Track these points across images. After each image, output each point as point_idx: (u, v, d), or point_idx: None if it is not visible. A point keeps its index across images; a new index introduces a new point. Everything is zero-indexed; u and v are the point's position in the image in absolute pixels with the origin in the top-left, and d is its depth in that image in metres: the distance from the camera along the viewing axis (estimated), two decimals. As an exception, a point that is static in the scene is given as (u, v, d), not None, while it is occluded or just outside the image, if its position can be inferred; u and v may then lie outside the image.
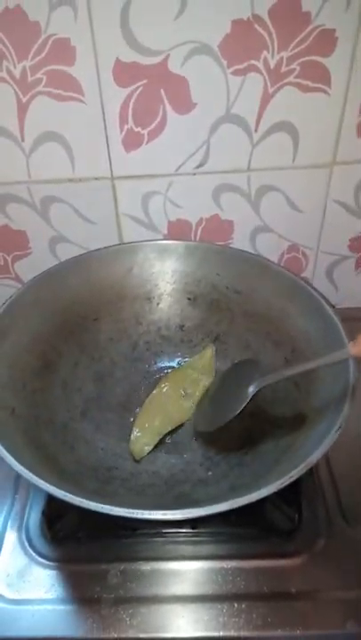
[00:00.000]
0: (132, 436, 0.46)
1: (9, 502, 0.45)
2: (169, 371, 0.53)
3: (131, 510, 0.31)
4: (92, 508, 0.31)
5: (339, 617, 0.37)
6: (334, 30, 0.45)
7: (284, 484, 0.33)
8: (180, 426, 0.48)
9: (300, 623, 0.37)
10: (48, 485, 0.32)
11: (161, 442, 0.46)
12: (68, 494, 0.31)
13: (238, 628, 0.37)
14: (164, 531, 0.42)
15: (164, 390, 0.50)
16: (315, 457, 0.34)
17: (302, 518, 0.43)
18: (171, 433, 0.47)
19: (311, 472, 0.46)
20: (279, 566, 0.40)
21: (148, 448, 0.45)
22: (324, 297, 0.46)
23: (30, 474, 0.33)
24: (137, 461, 0.45)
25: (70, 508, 0.41)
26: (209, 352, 0.53)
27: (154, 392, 0.50)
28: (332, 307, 0.46)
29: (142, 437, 0.46)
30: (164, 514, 0.31)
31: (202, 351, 0.54)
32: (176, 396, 0.49)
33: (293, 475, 0.33)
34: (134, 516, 0.31)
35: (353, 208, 0.58)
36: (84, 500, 0.31)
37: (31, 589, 0.39)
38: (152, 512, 0.31)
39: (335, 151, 0.53)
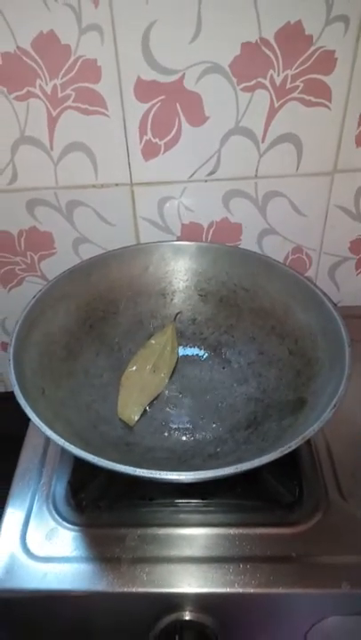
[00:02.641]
0: (118, 410, 0.51)
1: (37, 475, 0.49)
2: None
3: (151, 471, 0.35)
4: (119, 469, 0.35)
5: (334, 578, 0.41)
6: (334, 51, 0.50)
7: (283, 453, 0.37)
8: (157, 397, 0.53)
9: (299, 583, 0.41)
10: (79, 450, 0.37)
11: (175, 423, 0.51)
12: (96, 457, 0.36)
13: (243, 585, 0.41)
14: (177, 501, 0.46)
15: (134, 369, 0.54)
16: (311, 431, 0.38)
17: (303, 492, 0.46)
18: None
19: (311, 452, 0.50)
20: (281, 534, 0.44)
21: (135, 417, 0.50)
22: (324, 293, 0.50)
23: (62, 440, 0.37)
24: (131, 428, 0.50)
25: (92, 478, 0.46)
26: (170, 328, 0.57)
27: (126, 372, 0.54)
28: (333, 302, 0.50)
29: (127, 410, 0.51)
30: (179, 474, 0.35)
31: (163, 329, 0.57)
32: (146, 371, 0.54)
33: (292, 445, 0.37)
34: (154, 476, 0.35)
35: (353, 213, 0.62)
36: (112, 463, 0.36)
37: (58, 549, 0.44)
38: (169, 473, 0.35)
39: (336, 160, 0.57)
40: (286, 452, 0.37)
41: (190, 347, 0.58)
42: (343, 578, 0.41)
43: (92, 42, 0.49)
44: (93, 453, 0.37)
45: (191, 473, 0.36)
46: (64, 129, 0.54)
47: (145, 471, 0.35)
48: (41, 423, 0.38)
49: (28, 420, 0.53)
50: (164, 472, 0.35)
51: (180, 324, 0.59)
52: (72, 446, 0.37)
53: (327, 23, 0.48)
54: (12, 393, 0.82)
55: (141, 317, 0.58)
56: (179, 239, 0.63)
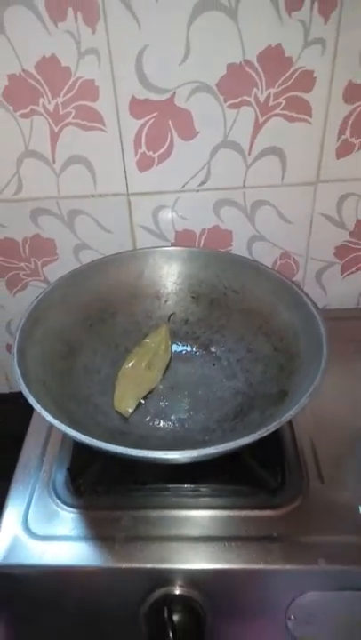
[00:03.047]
0: (114, 402, 0.54)
1: (38, 463, 0.53)
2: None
3: (142, 451, 0.39)
4: (114, 450, 0.39)
5: (312, 556, 0.44)
6: (313, 71, 0.54)
7: (261, 435, 0.40)
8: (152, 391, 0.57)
9: (280, 560, 0.44)
10: (76, 432, 0.40)
11: (167, 415, 0.55)
12: (94, 439, 0.40)
13: (228, 562, 0.44)
14: (168, 486, 0.50)
15: (130, 365, 0.58)
16: (287, 416, 0.42)
17: (285, 478, 0.50)
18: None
19: (294, 442, 0.53)
20: (265, 516, 0.47)
21: (130, 409, 0.54)
22: (306, 294, 0.54)
23: (63, 424, 0.41)
24: (126, 419, 0.53)
25: (90, 465, 0.50)
26: (164, 329, 0.61)
27: (122, 367, 0.58)
28: (314, 303, 0.53)
29: (123, 402, 0.54)
30: (166, 453, 0.39)
31: (157, 329, 0.61)
32: (142, 368, 0.58)
33: (270, 428, 0.41)
34: (144, 455, 0.39)
35: (336, 220, 0.65)
36: (107, 444, 0.39)
37: (57, 529, 0.47)
38: (157, 452, 0.39)
39: (318, 171, 0.61)
40: (265, 434, 0.40)
41: (183, 345, 0.62)
42: (320, 555, 0.44)
43: (90, 64, 0.53)
44: (92, 437, 0.41)
45: (178, 452, 0.39)
46: (65, 143, 0.58)
47: (137, 451, 0.39)
48: (43, 410, 0.42)
49: (31, 417, 0.58)
50: (154, 451, 0.39)
51: (173, 325, 0.62)
52: (72, 430, 0.41)
53: (305, 46, 0.52)
54: (16, 394, 0.86)
55: (137, 318, 0.62)
56: (173, 245, 0.67)
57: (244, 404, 0.54)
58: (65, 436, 0.55)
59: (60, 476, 0.52)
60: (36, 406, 0.42)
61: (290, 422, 0.55)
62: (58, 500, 0.49)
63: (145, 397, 0.57)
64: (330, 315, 0.53)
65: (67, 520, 0.48)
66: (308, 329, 0.52)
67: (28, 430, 0.57)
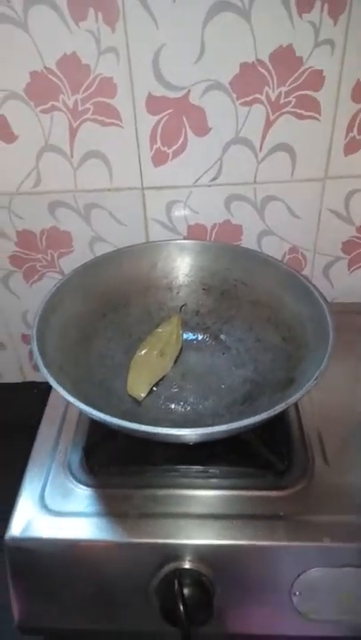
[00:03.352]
0: (128, 387, 0.56)
1: (54, 444, 0.55)
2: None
3: (153, 427, 0.41)
4: (129, 426, 0.41)
5: (316, 534, 0.46)
6: (322, 71, 0.56)
7: (269, 415, 0.42)
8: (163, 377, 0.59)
9: (285, 536, 0.46)
10: (92, 409, 0.43)
11: (179, 400, 0.57)
12: (108, 416, 0.42)
13: (235, 538, 0.46)
14: (178, 467, 0.52)
15: (143, 353, 0.60)
16: (294, 398, 0.44)
17: (292, 461, 0.52)
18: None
19: (300, 426, 0.55)
20: (271, 496, 0.49)
21: (143, 394, 0.56)
22: (313, 284, 0.56)
23: (78, 401, 0.43)
24: (139, 403, 0.55)
25: (104, 446, 0.52)
26: (176, 318, 0.63)
27: (136, 355, 0.60)
28: (320, 292, 0.55)
29: (135, 387, 0.56)
30: (178, 430, 0.41)
31: (169, 319, 0.63)
32: (154, 355, 0.60)
33: (277, 409, 0.43)
34: (155, 431, 0.41)
35: (344, 216, 0.67)
36: (124, 421, 0.41)
37: (72, 506, 0.49)
38: (168, 429, 0.41)
39: (327, 168, 0.63)
40: (272, 414, 0.42)
41: (194, 335, 0.64)
42: (325, 533, 0.46)
43: (109, 62, 0.56)
44: (107, 413, 0.43)
45: (189, 429, 0.41)
46: (83, 138, 0.60)
47: (150, 427, 0.41)
48: (61, 388, 0.44)
49: (44, 406, 0.60)
50: (167, 428, 0.41)
51: (184, 315, 0.64)
52: (89, 408, 0.43)
53: (315, 46, 0.54)
54: (29, 384, 0.89)
55: (150, 309, 0.64)
56: (185, 239, 0.69)
57: (253, 390, 0.56)
58: (79, 418, 0.58)
59: (75, 457, 0.54)
60: (55, 384, 0.44)
61: (296, 408, 0.57)
62: (73, 479, 0.52)
63: (157, 384, 0.59)
64: (337, 308, 0.55)
65: (81, 497, 0.50)
66: (316, 318, 0.53)
67: (44, 413, 0.59)
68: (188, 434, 0.41)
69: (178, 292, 0.65)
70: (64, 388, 0.45)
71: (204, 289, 0.64)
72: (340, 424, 0.57)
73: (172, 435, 0.41)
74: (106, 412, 0.48)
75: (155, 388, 0.58)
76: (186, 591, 0.45)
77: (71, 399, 0.43)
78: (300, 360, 0.53)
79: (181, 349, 0.63)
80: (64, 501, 0.50)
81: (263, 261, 0.61)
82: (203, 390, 0.58)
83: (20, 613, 0.50)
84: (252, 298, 0.62)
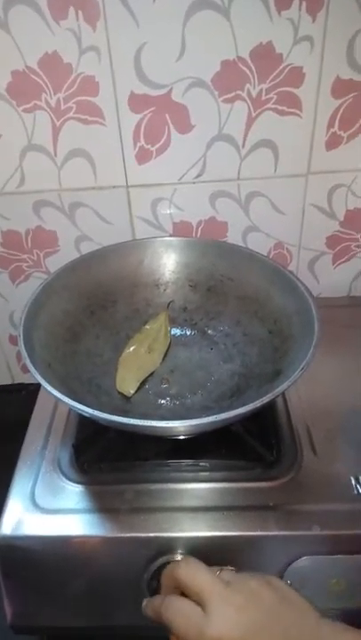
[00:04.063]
0: (116, 384, 0.57)
1: (43, 441, 0.55)
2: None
3: (143, 420, 0.41)
4: (119, 421, 0.41)
5: (306, 522, 0.47)
6: (302, 67, 0.56)
7: (256, 406, 0.43)
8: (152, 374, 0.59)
9: (275, 526, 0.47)
10: (81, 405, 0.43)
11: (167, 395, 0.57)
12: (97, 411, 0.42)
13: (227, 529, 0.47)
14: (169, 461, 0.52)
15: (131, 349, 0.60)
16: (280, 389, 0.44)
17: (281, 452, 0.52)
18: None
19: (288, 417, 0.56)
20: (261, 487, 0.50)
21: (132, 390, 0.56)
22: (298, 278, 0.56)
23: (66, 398, 0.43)
24: (128, 399, 0.56)
25: (94, 442, 0.52)
26: (163, 315, 0.63)
27: (124, 352, 0.60)
28: (305, 286, 0.56)
29: (124, 383, 0.57)
30: (167, 423, 0.41)
31: (157, 316, 0.63)
32: (142, 352, 0.60)
33: (264, 399, 0.43)
34: (144, 424, 0.41)
35: (327, 211, 0.68)
36: (113, 416, 0.42)
37: (63, 503, 0.49)
38: (157, 422, 0.41)
39: (309, 163, 0.63)
40: (259, 405, 0.43)
41: (182, 331, 0.64)
42: (314, 522, 0.47)
43: (90, 61, 0.56)
44: (96, 408, 0.43)
45: (178, 421, 0.42)
46: (66, 137, 0.60)
47: (140, 421, 0.41)
48: (49, 386, 0.44)
49: (33, 406, 0.60)
50: (156, 421, 0.41)
51: (172, 312, 0.65)
52: (79, 404, 0.43)
53: (295, 43, 0.55)
54: (17, 385, 0.89)
55: (137, 306, 0.64)
56: (171, 236, 0.69)
57: (241, 383, 0.56)
58: (69, 416, 0.58)
59: (65, 454, 0.54)
60: (42, 381, 0.44)
61: (284, 400, 0.58)
62: (63, 477, 0.52)
63: (146, 380, 0.59)
64: (322, 303, 0.56)
65: (72, 494, 0.50)
66: (301, 311, 0.54)
67: (34, 412, 0.59)
68: (177, 425, 0.42)
69: (165, 289, 0.65)
70: (52, 385, 0.45)
71: (190, 285, 0.65)
72: (328, 415, 0.58)
73: (160, 427, 0.42)
74: (95, 409, 0.48)
75: (144, 385, 0.59)
76: (178, 584, 0.46)
77: (59, 395, 0.44)
78: (287, 352, 0.54)
79: (170, 345, 0.63)
80: (54, 499, 0.50)
81: (249, 257, 0.62)
82: (191, 385, 0.58)
83: (12, 612, 0.50)
84: (239, 293, 0.62)
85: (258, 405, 0.43)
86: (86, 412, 0.43)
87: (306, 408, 0.58)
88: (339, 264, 0.74)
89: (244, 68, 0.56)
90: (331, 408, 0.59)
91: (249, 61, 0.56)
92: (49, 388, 0.44)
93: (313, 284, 0.76)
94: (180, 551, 0.47)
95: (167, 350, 0.62)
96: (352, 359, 0.66)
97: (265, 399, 0.43)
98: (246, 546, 0.47)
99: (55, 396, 0.44)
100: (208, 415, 0.53)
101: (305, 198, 0.67)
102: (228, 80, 0.57)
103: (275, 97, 0.58)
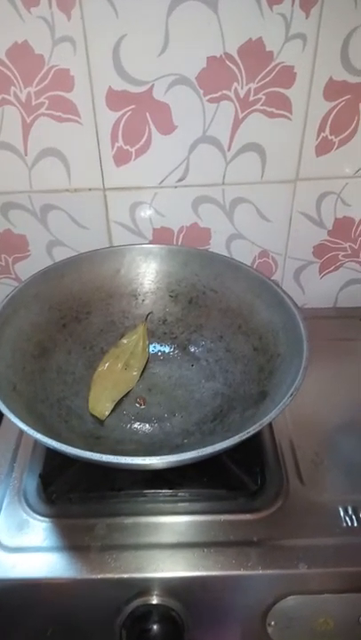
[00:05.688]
0: (89, 405, 0.52)
1: (9, 469, 0.51)
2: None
3: (117, 457, 0.37)
4: (85, 456, 0.37)
5: (292, 559, 0.44)
6: (293, 67, 0.53)
7: (242, 438, 0.39)
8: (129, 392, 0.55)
9: (260, 564, 0.43)
10: (47, 439, 0.38)
11: (145, 418, 0.53)
12: (64, 445, 0.38)
13: (207, 569, 0.43)
14: (145, 491, 0.48)
15: (106, 366, 0.56)
16: (268, 418, 0.41)
17: (265, 480, 0.49)
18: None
19: (274, 442, 0.53)
20: (244, 520, 0.46)
21: (106, 412, 0.52)
22: (285, 292, 0.53)
23: (31, 430, 0.39)
24: (102, 422, 0.52)
25: (63, 471, 0.48)
26: (141, 327, 0.59)
27: (98, 369, 0.56)
28: (293, 301, 0.52)
29: (98, 405, 0.52)
30: (143, 459, 0.37)
31: (134, 329, 0.59)
32: (118, 369, 0.56)
33: (250, 431, 0.40)
34: (119, 461, 0.37)
35: (315, 219, 0.65)
36: (79, 450, 0.37)
37: (28, 540, 0.45)
38: (134, 458, 0.37)
39: (298, 169, 0.60)
40: (245, 437, 0.39)
41: (161, 345, 0.61)
42: (300, 559, 0.44)
43: (64, 52, 0.51)
44: (64, 443, 0.39)
45: (156, 458, 0.38)
46: (38, 135, 0.56)
47: (111, 457, 0.37)
48: (12, 415, 0.40)
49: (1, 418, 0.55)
50: (130, 457, 0.37)
51: (151, 324, 0.61)
52: (44, 437, 0.39)
53: (286, 40, 0.51)
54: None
55: (113, 318, 0.60)
56: (150, 243, 0.66)
57: (224, 405, 0.52)
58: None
59: (32, 483, 0.49)
60: (6, 411, 0.40)
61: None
62: (29, 509, 0.47)
63: (121, 399, 0.55)
64: (307, 314, 0.53)
65: (38, 529, 0.46)
66: (288, 328, 0.51)
67: (-2, 433, 0.55)
68: (156, 462, 0.38)
69: (143, 300, 0.61)
70: (17, 413, 0.41)
71: (171, 296, 0.61)
72: (314, 436, 0.55)
73: (136, 464, 0.38)
74: (64, 437, 0.44)
75: (119, 405, 0.54)
76: (155, 628, 0.42)
77: (24, 427, 0.39)
78: (273, 372, 0.50)
79: (147, 361, 0.59)
80: (19, 535, 0.46)
81: (233, 267, 0.58)
82: (170, 406, 0.55)
83: (-29, 660, 0.45)
84: (222, 305, 0.59)
85: (244, 437, 0.39)
86: (53, 446, 0.38)
87: (291, 429, 0.55)
88: (325, 274, 0.71)
89: (232, 66, 0.53)
90: (317, 427, 0.56)
91: (237, 59, 0.52)
92: (13, 418, 0.40)
93: (298, 293, 0.73)
94: (156, 592, 0.43)
95: (145, 366, 0.58)
96: (338, 374, 0.63)
97: (251, 430, 0.40)
98: (228, 586, 0.44)
99: (19, 427, 0.40)
100: (189, 441, 0.50)
101: (293, 205, 0.64)
102: (214, 78, 0.53)
103: (263, 97, 0.55)
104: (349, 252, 0.69)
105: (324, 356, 0.63)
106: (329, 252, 0.69)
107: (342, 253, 0.69)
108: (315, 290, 0.72)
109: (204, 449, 0.38)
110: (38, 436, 0.39)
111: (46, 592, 0.44)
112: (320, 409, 0.58)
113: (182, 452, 0.47)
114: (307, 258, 0.69)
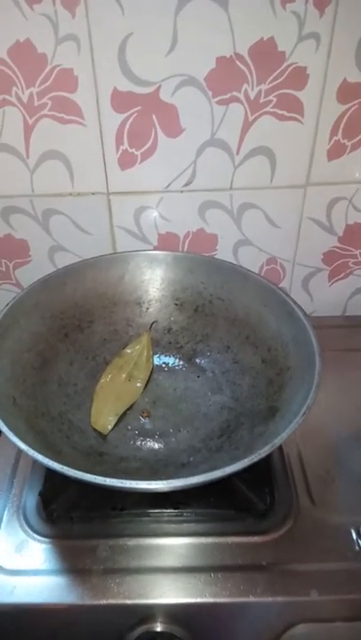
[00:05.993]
0: (91, 419, 0.50)
1: (8, 486, 0.49)
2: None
3: (122, 481, 0.35)
4: (88, 480, 0.35)
5: (304, 586, 0.42)
6: (306, 68, 0.51)
7: (253, 461, 0.37)
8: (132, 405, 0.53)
9: (269, 591, 0.41)
10: (48, 460, 0.36)
11: (149, 432, 0.51)
12: (66, 467, 0.36)
13: (214, 595, 0.41)
14: (149, 511, 0.46)
15: (109, 378, 0.54)
16: (280, 439, 0.39)
17: (274, 500, 0.47)
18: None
19: (283, 459, 0.51)
20: (253, 542, 0.44)
21: (109, 426, 0.50)
22: (295, 302, 0.51)
23: (31, 450, 0.37)
24: (105, 437, 0.50)
25: (64, 489, 0.46)
26: (145, 337, 0.57)
27: (101, 381, 0.54)
28: (303, 312, 0.51)
29: (100, 419, 0.51)
30: (149, 483, 0.35)
31: (138, 338, 0.58)
32: (121, 380, 0.54)
33: (261, 453, 0.38)
34: (124, 485, 0.35)
35: (325, 225, 0.63)
36: (82, 473, 0.35)
37: (28, 562, 0.43)
38: (139, 482, 0.35)
39: (309, 173, 0.58)
40: (256, 459, 0.37)
41: (166, 356, 0.59)
42: (312, 585, 0.42)
43: (68, 52, 0.49)
44: (65, 464, 0.37)
45: (162, 482, 0.36)
46: (40, 137, 0.54)
47: (115, 480, 0.35)
48: (11, 433, 0.38)
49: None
50: (135, 481, 0.35)
51: (155, 333, 0.59)
52: (42, 457, 0.37)
53: (299, 40, 0.49)
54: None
55: (117, 326, 0.58)
56: (155, 249, 0.64)
57: (231, 420, 0.50)
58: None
59: (31, 501, 0.47)
60: (6, 430, 0.38)
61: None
62: (28, 529, 0.45)
63: (125, 412, 0.53)
64: (315, 322, 0.51)
65: (38, 551, 0.44)
66: (299, 340, 0.49)
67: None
68: (161, 487, 0.36)
69: (148, 308, 0.59)
70: (16, 431, 0.39)
71: (176, 304, 0.59)
72: (324, 451, 0.53)
73: (142, 488, 0.36)
74: (65, 454, 0.42)
75: (123, 419, 0.52)
76: (158, 656, 0.40)
77: (24, 447, 0.37)
78: (283, 387, 0.48)
79: (152, 372, 0.57)
80: (18, 556, 0.44)
81: (241, 275, 0.56)
82: (175, 420, 0.53)
83: None
84: (229, 314, 0.57)
85: (255, 460, 0.37)
86: (54, 468, 0.36)
87: (301, 443, 0.53)
88: (335, 281, 0.69)
89: (242, 67, 0.51)
90: (328, 442, 0.54)
91: (248, 59, 0.50)
92: (13, 437, 0.38)
93: (306, 301, 0.71)
94: (160, 619, 0.41)
95: (149, 377, 0.56)
96: (348, 385, 0.61)
97: (262, 452, 0.38)
98: (235, 614, 0.42)
99: (18, 447, 0.38)
100: (195, 458, 0.48)
101: (302, 211, 0.62)
102: (223, 79, 0.51)
103: (274, 100, 0.53)
104: (360, 259, 0.67)
105: (333, 367, 0.60)
106: (339, 259, 0.67)
107: (352, 260, 0.67)
108: (323, 297, 0.71)
109: (212, 473, 0.36)
110: (39, 457, 0.37)
111: (46, 618, 0.42)
112: (330, 422, 0.56)
113: (188, 470, 0.46)
114: (316, 265, 0.67)
